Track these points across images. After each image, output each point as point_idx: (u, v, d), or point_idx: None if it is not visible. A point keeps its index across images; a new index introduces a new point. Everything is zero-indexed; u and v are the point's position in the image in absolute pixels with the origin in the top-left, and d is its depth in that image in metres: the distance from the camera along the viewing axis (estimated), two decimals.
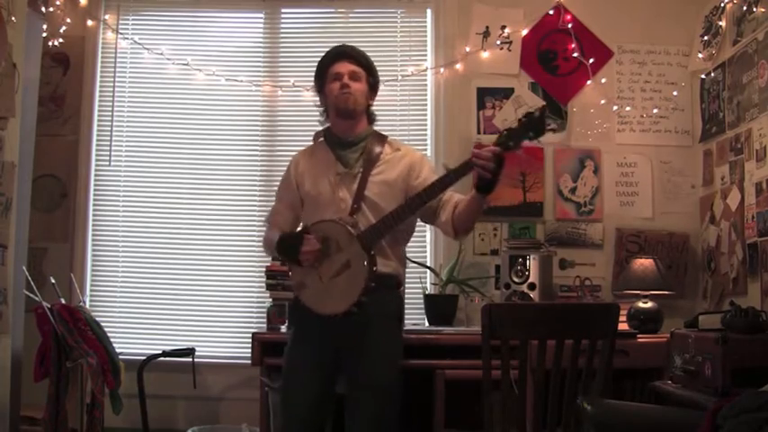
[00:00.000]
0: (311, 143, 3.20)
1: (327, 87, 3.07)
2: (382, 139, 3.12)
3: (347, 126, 3.06)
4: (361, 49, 3.17)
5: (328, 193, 3.00)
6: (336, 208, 2.96)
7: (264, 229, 3.25)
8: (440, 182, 2.87)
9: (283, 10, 4.65)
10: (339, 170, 3.02)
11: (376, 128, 3.17)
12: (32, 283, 3.59)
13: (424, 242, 4.41)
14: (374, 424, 2.90)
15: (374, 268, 2.86)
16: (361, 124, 3.09)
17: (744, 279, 3.68)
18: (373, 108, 3.17)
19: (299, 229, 3.08)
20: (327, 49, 3.14)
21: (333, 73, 3.06)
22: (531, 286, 3.88)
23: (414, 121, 4.47)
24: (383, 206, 2.96)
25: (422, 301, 4.11)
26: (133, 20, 4.65)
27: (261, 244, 3.30)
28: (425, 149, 4.44)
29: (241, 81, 4.51)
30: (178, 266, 4.50)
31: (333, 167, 3.03)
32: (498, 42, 4.42)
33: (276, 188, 3.30)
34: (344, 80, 3.02)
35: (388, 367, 2.96)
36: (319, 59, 3.14)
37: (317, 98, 3.18)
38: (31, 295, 3.58)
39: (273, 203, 3.27)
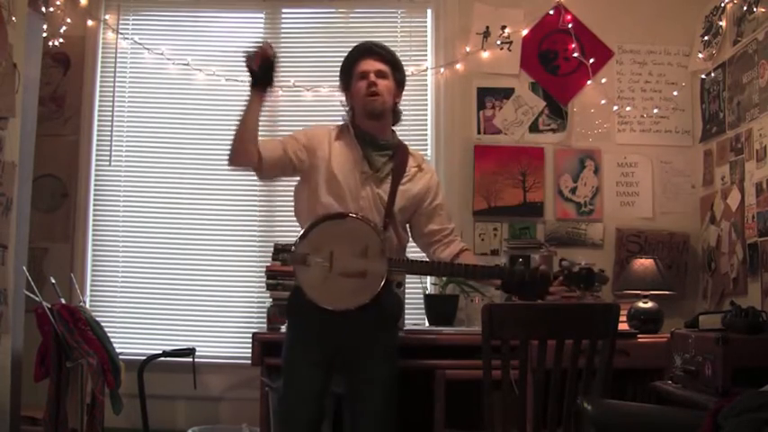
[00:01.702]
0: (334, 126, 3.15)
1: (354, 87, 3.04)
2: (406, 149, 3.13)
3: (376, 126, 3.05)
4: None
5: (351, 187, 2.96)
6: (357, 205, 2.93)
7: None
8: (488, 269, 2.98)
9: (284, 10, 4.65)
10: (365, 169, 2.99)
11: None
12: (33, 283, 3.59)
13: None
14: (379, 420, 2.92)
15: (380, 292, 2.87)
16: (388, 124, 3.09)
17: (744, 279, 3.68)
18: (400, 107, 3.16)
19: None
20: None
21: (359, 72, 3.02)
22: None
23: (414, 120, 4.46)
24: (400, 220, 3.01)
25: (422, 301, 4.11)
26: (133, 20, 4.66)
27: (232, 144, 2.99)
28: (425, 149, 4.44)
29: (241, 81, 4.49)
30: (178, 266, 4.50)
31: (359, 164, 2.99)
32: (498, 42, 4.42)
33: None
34: (371, 78, 2.99)
35: (389, 363, 2.98)
36: (345, 56, 3.10)
37: (343, 96, 3.14)
38: (32, 295, 3.57)
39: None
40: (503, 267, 2.99)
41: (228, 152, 2.98)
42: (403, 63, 3.11)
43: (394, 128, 3.17)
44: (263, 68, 2.86)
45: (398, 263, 2.92)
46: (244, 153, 2.96)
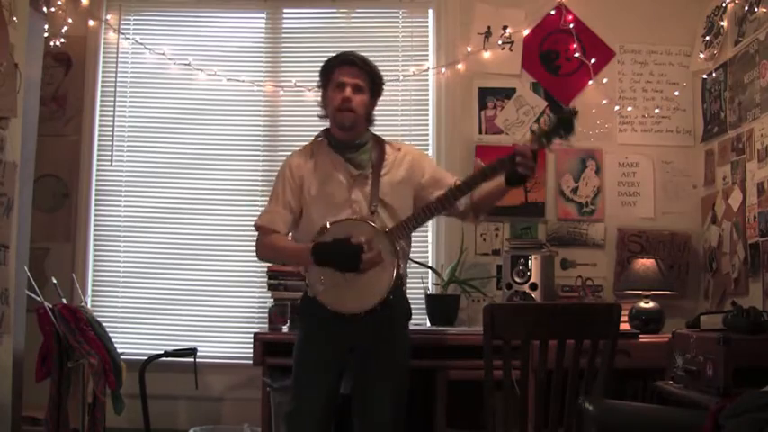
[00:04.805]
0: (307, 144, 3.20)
1: (330, 93, 3.07)
2: (381, 141, 3.15)
3: (347, 135, 3.08)
4: (363, 49, 3.19)
5: (341, 194, 2.99)
6: (350, 209, 2.96)
7: (257, 235, 3.14)
8: (473, 178, 2.91)
9: (285, 10, 4.65)
10: (353, 172, 3.02)
11: (377, 129, 3.18)
12: (34, 283, 3.59)
13: (425, 242, 4.40)
14: (389, 420, 2.93)
15: (402, 265, 2.89)
16: (359, 131, 3.10)
17: (745, 279, 3.68)
18: (374, 112, 3.17)
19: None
20: (329, 50, 3.16)
21: (336, 80, 3.05)
22: (533, 286, 3.88)
23: (415, 121, 4.47)
24: (395, 207, 3.01)
25: (423, 301, 4.11)
26: (135, 20, 4.65)
27: (257, 251, 3.19)
28: (427, 149, 4.43)
29: (243, 81, 4.51)
30: (180, 266, 4.50)
31: (343, 169, 3.02)
32: (500, 42, 4.42)
33: None
34: (347, 93, 3.01)
35: (401, 364, 3.00)
36: (326, 60, 3.13)
37: (320, 94, 3.17)
38: (33, 295, 3.57)
39: (266, 207, 3.17)
40: (491, 164, 2.88)
41: (261, 256, 3.24)
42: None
43: (374, 127, 3.19)
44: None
45: (398, 228, 2.91)
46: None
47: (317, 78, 3.13)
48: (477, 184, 2.92)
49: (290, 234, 3.14)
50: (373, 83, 3.10)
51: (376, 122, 3.16)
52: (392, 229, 2.89)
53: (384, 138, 3.18)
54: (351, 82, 3.03)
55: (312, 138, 3.19)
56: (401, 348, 3.03)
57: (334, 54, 3.17)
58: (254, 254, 4.37)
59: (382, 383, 2.94)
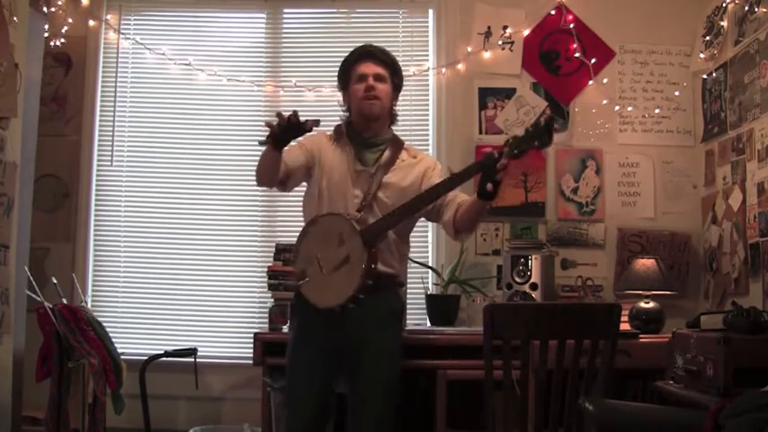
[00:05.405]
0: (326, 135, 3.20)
1: (352, 88, 3.08)
2: (400, 144, 3.16)
3: (371, 128, 3.09)
4: None
5: (343, 186, 3.00)
6: (350, 203, 2.97)
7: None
8: (442, 185, 2.90)
9: (285, 10, 4.65)
10: (357, 167, 3.03)
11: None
12: (34, 283, 3.59)
13: (425, 242, 4.40)
14: (378, 419, 2.92)
15: (372, 266, 2.86)
16: (384, 126, 3.12)
17: (745, 279, 3.68)
18: (396, 108, 3.19)
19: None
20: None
21: (358, 73, 3.06)
22: (533, 286, 3.88)
23: (416, 121, 4.47)
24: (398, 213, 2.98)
25: (423, 301, 4.11)
26: (135, 20, 4.66)
27: (256, 171, 3.11)
28: (427, 149, 4.44)
29: (243, 81, 4.51)
30: (180, 266, 4.50)
31: (351, 164, 3.04)
32: (500, 42, 4.42)
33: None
34: (370, 82, 3.02)
35: (388, 364, 2.98)
36: (344, 57, 3.14)
37: (341, 95, 3.18)
38: (33, 295, 3.58)
39: None
40: (455, 174, 2.87)
41: (255, 176, 3.09)
42: (404, 63, 3.13)
43: (392, 127, 3.19)
44: (282, 130, 2.74)
45: (369, 229, 2.88)
46: (269, 181, 3.08)
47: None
48: (447, 190, 2.90)
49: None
50: (394, 74, 3.11)
51: None
52: (363, 231, 2.88)
53: (405, 142, 3.19)
54: (372, 72, 3.05)
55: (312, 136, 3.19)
56: (388, 347, 3.00)
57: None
58: (255, 253, 4.44)
59: (369, 382, 2.93)
